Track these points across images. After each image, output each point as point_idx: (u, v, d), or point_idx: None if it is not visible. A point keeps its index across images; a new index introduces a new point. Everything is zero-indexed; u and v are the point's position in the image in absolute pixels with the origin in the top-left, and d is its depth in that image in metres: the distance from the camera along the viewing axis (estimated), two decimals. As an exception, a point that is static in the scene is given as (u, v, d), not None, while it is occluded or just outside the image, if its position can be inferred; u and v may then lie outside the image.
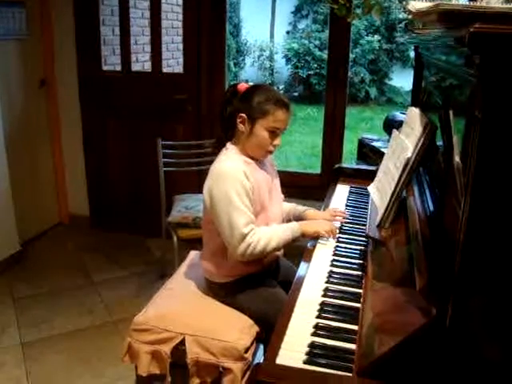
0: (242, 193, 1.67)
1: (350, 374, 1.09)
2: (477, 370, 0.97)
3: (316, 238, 1.79)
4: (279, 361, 1.13)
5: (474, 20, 0.72)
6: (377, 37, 9.93)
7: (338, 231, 1.83)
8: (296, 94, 10.40)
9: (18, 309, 2.88)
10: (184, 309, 1.86)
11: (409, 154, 1.50)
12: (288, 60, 10.43)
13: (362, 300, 1.38)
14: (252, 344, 1.73)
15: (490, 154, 0.80)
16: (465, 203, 0.85)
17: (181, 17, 3.49)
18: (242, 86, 1.81)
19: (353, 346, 1.19)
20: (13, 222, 3.33)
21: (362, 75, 9.88)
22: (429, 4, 0.92)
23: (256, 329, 1.78)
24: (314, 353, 1.16)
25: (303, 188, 3.23)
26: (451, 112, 1.22)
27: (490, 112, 0.77)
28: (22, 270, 3.31)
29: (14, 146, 3.39)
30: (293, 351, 1.17)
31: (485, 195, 0.83)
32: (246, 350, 1.69)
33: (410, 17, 1.43)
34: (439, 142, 1.43)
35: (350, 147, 5.29)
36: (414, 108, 1.69)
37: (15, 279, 3.19)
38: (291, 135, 7.68)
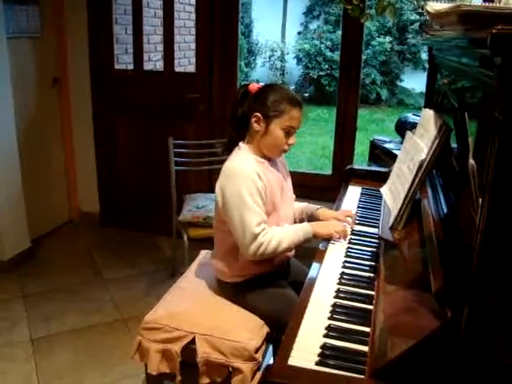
0: (254, 192, 1.67)
1: (363, 376, 1.08)
2: (492, 375, 0.96)
3: (328, 239, 1.78)
4: (291, 362, 1.12)
5: (495, 22, 0.72)
6: (388, 38, 9.90)
7: (349, 233, 1.83)
8: (307, 94, 10.38)
9: (28, 305, 2.90)
10: (195, 308, 1.85)
11: (423, 156, 1.49)
12: (299, 60, 10.42)
13: (374, 302, 1.38)
14: (262, 344, 1.73)
15: (511, 155, 0.79)
16: (483, 205, 0.84)
17: (193, 16, 3.51)
18: (254, 86, 1.81)
19: (365, 348, 1.18)
20: (24, 220, 3.35)
21: (373, 76, 9.85)
22: (448, 5, 0.91)
23: (266, 329, 1.78)
24: (326, 354, 1.16)
25: (314, 189, 3.22)
26: (466, 114, 1.21)
27: (510, 114, 0.77)
28: (32, 266, 3.33)
29: (27, 144, 3.41)
30: (305, 352, 1.16)
31: (504, 197, 0.82)
32: (256, 351, 1.69)
33: (427, 18, 1.42)
34: (453, 144, 1.42)
35: (360, 149, 5.27)
36: (428, 109, 1.68)
37: (25, 276, 3.21)
38: (301, 136, 7.66)
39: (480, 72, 0.98)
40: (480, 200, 0.87)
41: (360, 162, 5.39)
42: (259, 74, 10.62)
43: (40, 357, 2.47)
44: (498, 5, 1.18)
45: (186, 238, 2.86)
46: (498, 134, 0.78)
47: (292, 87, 10.28)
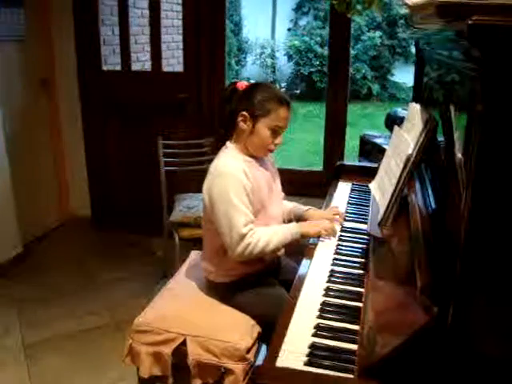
0: (241, 192, 1.66)
1: (352, 376, 1.07)
2: (480, 369, 0.95)
3: (317, 237, 1.77)
4: (279, 363, 1.11)
5: (472, 13, 0.70)
6: (378, 33, 9.90)
7: (338, 230, 1.82)
8: (298, 91, 10.37)
9: (20, 310, 2.87)
10: (185, 309, 1.84)
11: (410, 151, 1.47)
12: (290, 57, 10.40)
13: (363, 299, 1.37)
14: (254, 344, 1.72)
15: (492, 148, 0.78)
16: (466, 200, 0.83)
17: (181, 15, 3.47)
18: (241, 85, 1.79)
19: (354, 347, 1.17)
20: (14, 224, 3.33)
21: (363, 71, 9.85)
22: (426, -3, 0.91)
23: (258, 329, 1.76)
24: (315, 354, 1.15)
25: (305, 185, 3.22)
26: (452, 107, 1.20)
27: (490, 106, 0.75)
28: (24, 271, 3.30)
29: (16, 147, 3.38)
30: (293, 352, 1.15)
31: (486, 191, 0.81)
32: (248, 351, 1.67)
33: (407, 11, 1.41)
34: (441, 138, 1.41)
35: (352, 144, 5.26)
36: (414, 104, 1.67)
37: (17, 281, 3.18)
38: (293, 133, 7.65)
39: (462, 64, 0.96)
40: (464, 194, 0.86)
41: (352, 157, 5.37)
42: (250, 72, 10.60)
43: (33, 362, 2.44)
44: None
45: (177, 238, 2.85)
46: (479, 127, 0.77)
47: (283, 84, 10.28)
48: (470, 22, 0.68)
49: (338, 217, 1.90)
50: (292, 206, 2.02)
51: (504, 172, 0.80)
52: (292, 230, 1.76)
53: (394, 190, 1.51)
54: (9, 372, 2.37)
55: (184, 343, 1.71)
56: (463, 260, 0.85)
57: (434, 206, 1.32)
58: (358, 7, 2.47)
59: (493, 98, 0.75)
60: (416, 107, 1.61)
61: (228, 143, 1.80)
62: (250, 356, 1.68)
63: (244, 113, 1.72)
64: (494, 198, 0.82)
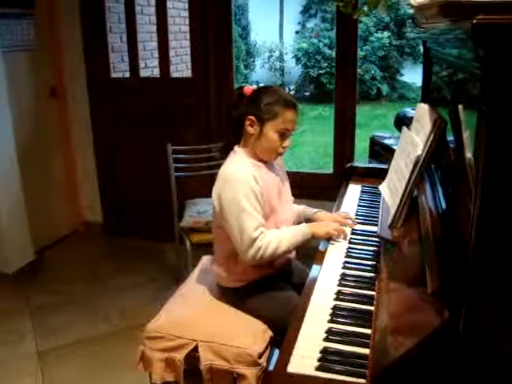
0: (251, 196, 1.65)
1: (364, 381, 1.06)
2: (494, 371, 0.93)
3: (327, 239, 1.76)
4: (290, 368, 1.10)
5: (477, 11, 0.70)
6: (386, 33, 9.87)
7: (348, 233, 1.80)
8: (307, 93, 10.35)
9: (34, 317, 2.90)
10: (196, 315, 1.84)
11: (419, 152, 1.46)
12: (298, 60, 10.38)
13: (374, 302, 1.35)
14: (266, 349, 1.71)
15: (498, 148, 0.77)
16: (475, 200, 0.82)
17: (188, 21, 3.49)
18: (248, 89, 1.79)
19: (366, 351, 1.16)
20: (27, 232, 3.36)
21: (372, 72, 9.81)
22: (430, -3, 0.90)
23: (270, 333, 1.76)
24: (327, 359, 1.14)
25: (315, 188, 3.21)
26: (460, 107, 1.19)
27: (496, 106, 0.74)
28: (37, 278, 3.33)
29: (27, 156, 3.41)
30: (305, 357, 1.14)
31: (495, 191, 0.80)
32: (260, 356, 1.66)
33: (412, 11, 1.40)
34: (451, 138, 1.40)
35: (363, 145, 5.19)
36: (422, 104, 1.65)
37: (31, 288, 3.20)
38: (304, 135, 7.63)
39: (469, 63, 0.95)
40: (473, 194, 0.84)
41: (363, 158, 5.34)
42: (259, 76, 10.61)
43: (47, 369, 2.46)
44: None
45: (188, 243, 2.85)
46: (485, 127, 0.76)
47: (292, 87, 10.27)
48: (474, 22, 0.68)
49: (349, 221, 1.88)
50: (302, 208, 2.02)
51: (509, 169, 0.78)
52: (302, 230, 1.76)
53: (404, 192, 1.50)
54: (24, 380, 2.39)
55: (196, 349, 1.71)
56: (474, 261, 0.84)
57: (444, 206, 1.30)
58: (364, 8, 2.46)
59: (498, 98, 0.74)
60: (424, 107, 1.60)
61: (236, 148, 1.80)
62: (263, 361, 1.67)
63: (251, 117, 1.72)
64: (503, 198, 0.81)
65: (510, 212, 0.81)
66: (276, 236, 1.69)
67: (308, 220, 1.96)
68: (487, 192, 0.80)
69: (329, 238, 1.76)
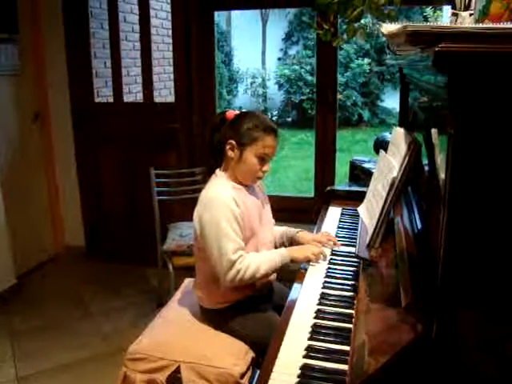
0: (231, 219, 1.68)
1: (342, 395, 1.09)
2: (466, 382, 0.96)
3: (307, 262, 1.79)
4: (270, 385, 1.12)
5: (441, 40, 0.75)
6: (367, 60, 10.08)
7: (328, 254, 1.84)
8: (289, 119, 10.49)
9: (14, 342, 2.86)
10: (178, 336, 1.85)
11: (394, 174, 1.51)
12: (280, 86, 10.54)
13: (353, 321, 1.38)
14: (248, 370, 1.72)
15: (463, 169, 0.81)
16: (443, 219, 0.86)
17: (172, 47, 3.55)
18: (231, 114, 1.82)
19: (345, 367, 1.19)
20: (9, 256, 3.33)
21: (354, 98, 9.98)
22: (398, 26, 0.95)
23: (251, 354, 1.77)
24: (306, 375, 1.16)
25: (297, 212, 3.25)
26: (433, 130, 1.24)
27: (460, 128, 0.79)
28: (18, 303, 3.30)
29: (10, 180, 3.41)
30: (285, 374, 1.16)
31: (459, 210, 0.84)
32: (242, 376, 1.68)
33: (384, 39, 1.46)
34: (426, 161, 1.45)
35: (344, 169, 5.28)
36: (398, 128, 1.71)
37: (11, 312, 3.18)
38: (286, 160, 7.71)
39: (437, 89, 1.01)
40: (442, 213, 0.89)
41: (345, 182, 5.41)
42: (241, 101, 10.72)
43: (27, 395, 2.43)
44: (453, 24, 1.22)
45: (171, 267, 2.86)
46: (450, 148, 0.81)
47: (274, 112, 10.39)
48: (436, 49, 0.73)
49: (331, 242, 1.91)
50: (284, 229, 2.04)
51: (476, 190, 0.83)
52: (281, 254, 1.78)
53: (381, 213, 1.55)
54: (3, 406, 2.36)
55: (178, 370, 1.72)
56: (443, 277, 0.88)
57: (419, 227, 1.35)
58: (344, 36, 2.54)
59: (461, 121, 0.79)
60: (400, 131, 1.65)
61: (218, 171, 1.83)
62: (245, 381, 1.68)
63: (231, 141, 1.75)
64: (468, 216, 0.85)
65: (474, 230, 0.85)
66: (255, 259, 1.71)
67: (290, 240, 1.98)
68: (453, 210, 0.84)
69: (308, 260, 1.78)
